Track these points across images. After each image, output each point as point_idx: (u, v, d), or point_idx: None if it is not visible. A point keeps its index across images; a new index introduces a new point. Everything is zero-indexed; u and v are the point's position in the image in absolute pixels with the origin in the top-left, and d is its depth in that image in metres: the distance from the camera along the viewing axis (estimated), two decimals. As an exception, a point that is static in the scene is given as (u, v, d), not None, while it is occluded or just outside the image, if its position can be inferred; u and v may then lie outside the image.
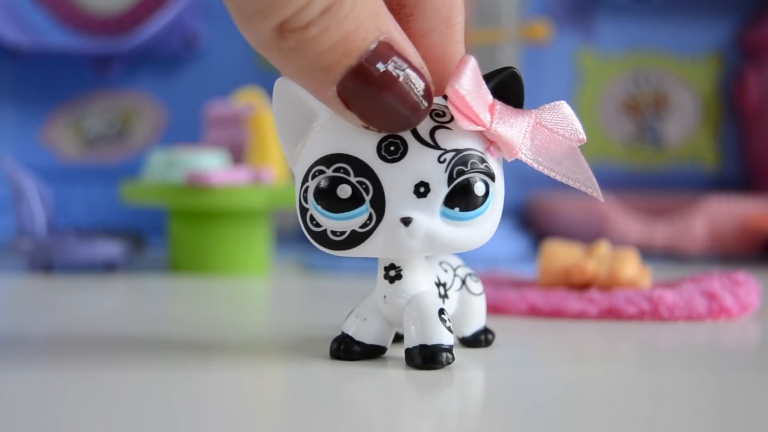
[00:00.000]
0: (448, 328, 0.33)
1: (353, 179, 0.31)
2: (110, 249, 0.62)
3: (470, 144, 0.32)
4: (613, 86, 0.90)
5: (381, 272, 0.34)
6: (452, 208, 0.31)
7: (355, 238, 0.32)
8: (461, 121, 0.31)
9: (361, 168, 0.31)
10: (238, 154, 0.68)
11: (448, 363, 0.33)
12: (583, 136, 0.33)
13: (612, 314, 0.44)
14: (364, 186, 0.31)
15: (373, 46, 0.29)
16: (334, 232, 0.32)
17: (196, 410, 0.28)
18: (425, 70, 0.31)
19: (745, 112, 0.88)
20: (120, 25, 0.83)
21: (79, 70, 0.85)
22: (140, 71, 0.85)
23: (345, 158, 0.31)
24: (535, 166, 0.32)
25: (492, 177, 0.32)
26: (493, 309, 0.45)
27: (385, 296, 0.34)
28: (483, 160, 0.32)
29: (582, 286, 0.48)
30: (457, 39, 0.32)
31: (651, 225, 0.74)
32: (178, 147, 0.68)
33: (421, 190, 0.31)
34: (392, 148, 0.31)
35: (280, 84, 0.33)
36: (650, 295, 0.45)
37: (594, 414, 0.28)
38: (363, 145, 0.31)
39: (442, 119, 0.32)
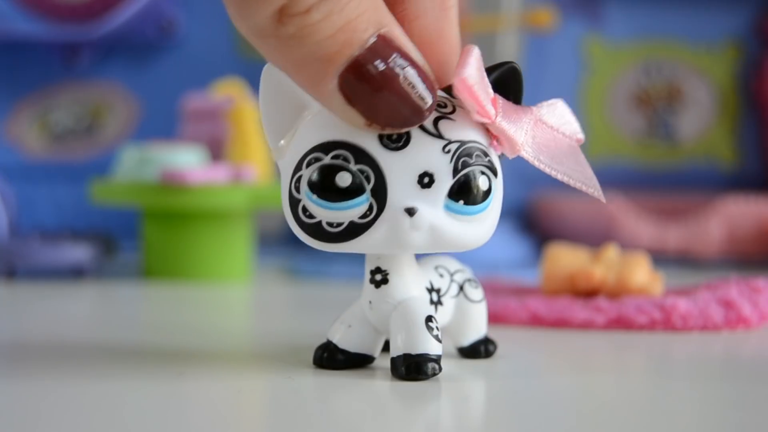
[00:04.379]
0: (436, 337, 0.33)
1: (353, 167, 0.31)
2: (78, 253, 0.61)
3: (474, 136, 0.32)
4: (623, 77, 0.90)
5: (367, 276, 0.34)
6: (456, 201, 0.32)
7: (354, 230, 0.32)
8: (471, 112, 0.32)
9: (361, 155, 0.31)
10: (216, 151, 0.68)
11: (434, 374, 0.33)
12: (581, 135, 0.34)
13: (621, 324, 0.44)
14: (365, 174, 0.31)
15: (373, 40, 0.30)
16: (330, 224, 0.32)
17: (167, 426, 0.28)
18: (427, 68, 0.31)
19: (765, 106, 0.88)
20: (89, 10, 0.83)
21: (45, 60, 0.84)
22: (111, 61, 0.85)
23: (344, 145, 0.32)
24: (536, 164, 0.33)
25: (495, 172, 0.33)
26: (492, 318, 0.45)
27: (370, 302, 0.34)
28: (486, 154, 0.32)
29: (588, 293, 0.48)
30: (452, 22, 0.33)
31: (663, 227, 0.74)
32: (152, 143, 0.68)
33: (425, 180, 0.32)
34: (395, 136, 0.32)
35: (267, 71, 0.33)
36: (662, 303, 0.45)
37: (600, 431, 0.29)
38: (362, 131, 0.31)
39: (445, 110, 0.32)
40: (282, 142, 0.33)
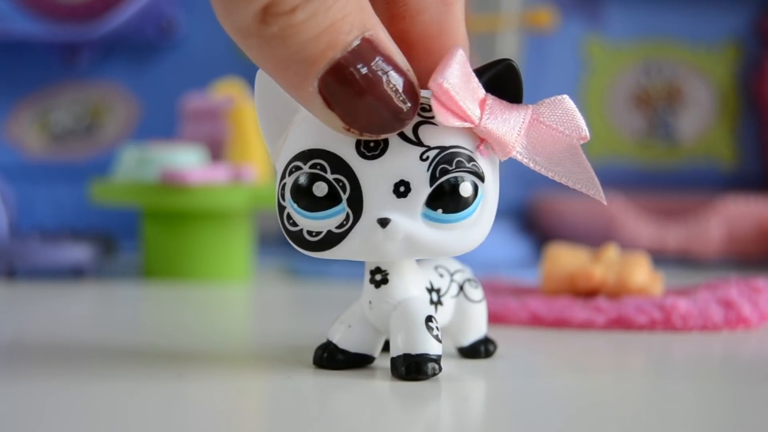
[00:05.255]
0: (436, 337, 0.33)
1: (330, 176, 0.31)
2: (78, 253, 0.61)
3: (457, 141, 0.32)
4: (623, 77, 0.90)
5: (367, 276, 0.34)
6: (435, 209, 0.31)
7: (331, 239, 0.32)
8: (443, 117, 0.31)
9: (338, 164, 0.31)
10: (216, 151, 0.68)
11: (434, 374, 0.33)
12: (586, 133, 0.33)
13: (621, 324, 0.44)
14: (341, 184, 0.31)
15: (357, 42, 0.30)
16: (310, 232, 0.32)
17: (167, 426, 0.28)
18: (410, 73, 0.31)
19: (765, 106, 0.88)
20: (89, 10, 0.83)
21: (45, 60, 0.84)
22: (111, 61, 0.85)
23: (322, 154, 0.31)
24: (531, 165, 0.32)
25: (481, 177, 0.32)
26: (492, 318, 0.45)
27: (370, 302, 0.34)
28: (471, 159, 0.32)
29: (588, 293, 0.48)
30: (456, 17, 0.33)
31: (663, 227, 0.74)
32: (152, 143, 0.68)
33: (401, 189, 0.31)
34: (372, 144, 0.31)
35: (261, 74, 0.33)
36: (662, 303, 0.45)
37: (600, 431, 0.29)
38: (342, 140, 0.31)
39: (428, 114, 0.32)
40: (278, 143, 0.33)
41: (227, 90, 0.71)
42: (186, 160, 0.63)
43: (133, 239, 0.74)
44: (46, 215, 0.83)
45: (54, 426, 0.28)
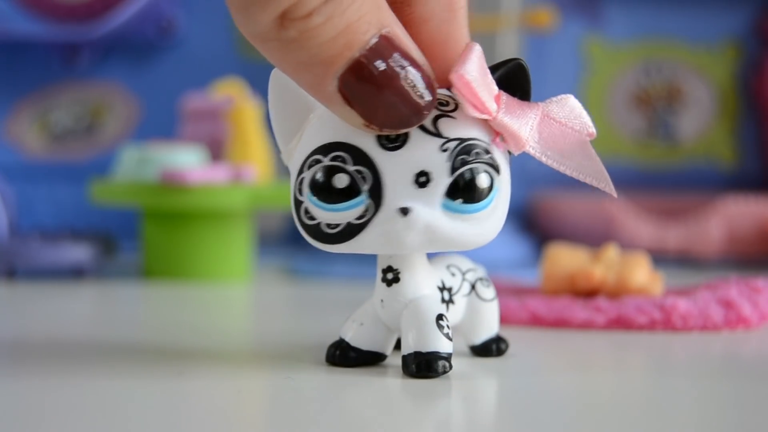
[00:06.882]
0: (446, 335, 0.33)
1: (351, 168, 0.32)
2: (78, 253, 0.61)
3: (475, 134, 0.32)
4: (623, 77, 0.90)
5: (379, 275, 0.34)
6: (454, 199, 0.32)
7: (350, 231, 0.32)
8: (467, 108, 0.32)
9: (359, 156, 0.32)
10: (216, 151, 0.68)
11: (445, 372, 0.33)
12: (592, 129, 0.34)
13: (621, 324, 0.44)
14: (362, 175, 0.32)
15: (375, 40, 0.30)
16: (328, 225, 0.32)
17: (167, 426, 0.28)
18: (428, 67, 0.31)
19: (764, 106, 0.88)
20: (89, 10, 0.83)
21: (45, 60, 0.84)
22: (111, 61, 0.85)
23: (343, 146, 0.32)
24: (544, 159, 0.33)
25: (497, 169, 0.32)
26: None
27: (382, 300, 0.34)
28: (488, 151, 0.32)
29: (588, 293, 0.48)
30: (461, 24, 0.33)
31: (663, 227, 0.74)
32: (152, 143, 0.68)
33: (422, 179, 0.32)
34: (393, 136, 0.32)
35: (275, 75, 0.34)
36: (662, 303, 0.45)
37: (610, 429, 0.29)
38: (362, 132, 0.32)
39: (446, 108, 0.32)
40: (291, 144, 0.34)
41: (227, 90, 0.71)
42: (186, 160, 0.63)
43: (133, 239, 0.74)
44: (46, 215, 0.83)
45: (54, 425, 0.28)
